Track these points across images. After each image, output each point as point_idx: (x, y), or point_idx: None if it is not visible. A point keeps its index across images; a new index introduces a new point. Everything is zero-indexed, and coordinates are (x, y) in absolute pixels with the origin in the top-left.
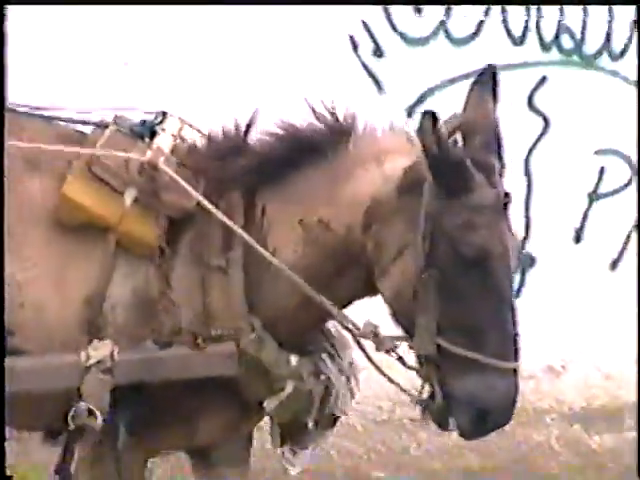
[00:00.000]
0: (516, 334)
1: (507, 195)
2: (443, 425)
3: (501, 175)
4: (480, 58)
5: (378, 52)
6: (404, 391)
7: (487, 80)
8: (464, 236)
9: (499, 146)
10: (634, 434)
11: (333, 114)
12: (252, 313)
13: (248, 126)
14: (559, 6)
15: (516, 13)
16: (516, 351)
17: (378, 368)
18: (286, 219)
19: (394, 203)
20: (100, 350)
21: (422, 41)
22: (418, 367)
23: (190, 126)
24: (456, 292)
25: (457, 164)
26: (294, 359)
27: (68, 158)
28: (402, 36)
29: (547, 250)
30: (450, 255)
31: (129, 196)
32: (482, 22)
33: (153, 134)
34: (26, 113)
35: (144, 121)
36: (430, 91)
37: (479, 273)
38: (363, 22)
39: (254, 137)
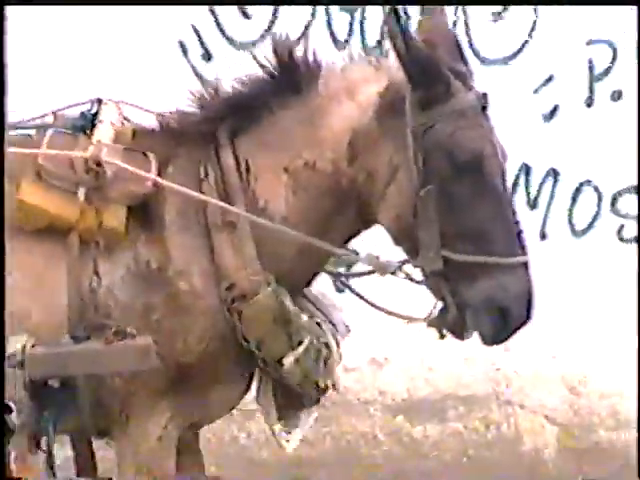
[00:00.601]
0: (519, 230)
1: (485, 96)
2: (461, 335)
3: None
4: None
5: (207, 56)
6: (398, 316)
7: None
8: (456, 142)
9: (462, 54)
10: (459, 425)
11: (295, 58)
12: None
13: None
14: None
15: (341, 16)
16: (522, 245)
17: (371, 303)
18: (270, 169)
19: (375, 129)
20: (12, 344)
21: (250, 45)
22: (427, 282)
23: (126, 109)
24: (455, 201)
25: (434, 68)
26: (304, 315)
27: (20, 164)
28: (230, 40)
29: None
30: (444, 165)
31: (81, 195)
32: (308, 25)
33: (94, 126)
34: None
35: (83, 113)
36: None
37: (474, 177)
38: (192, 26)
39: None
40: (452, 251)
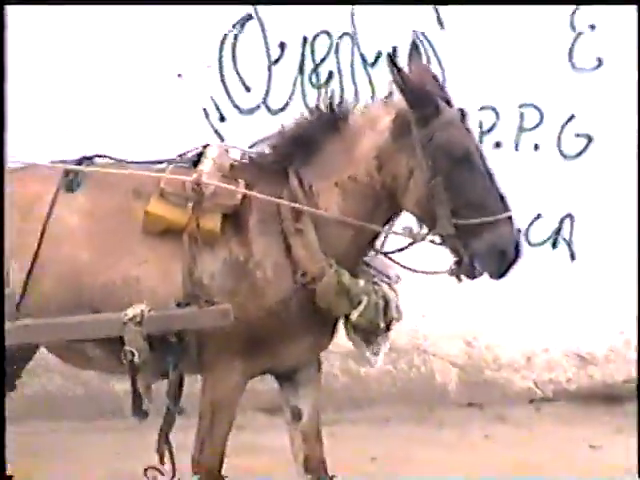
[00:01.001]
0: (502, 194)
1: (462, 110)
2: (473, 276)
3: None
4: None
5: (222, 118)
6: (427, 272)
7: (418, 52)
8: (450, 144)
9: (441, 85)
10: (390, 366)
11: (334, 109)
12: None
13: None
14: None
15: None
16: (506, 204)
17: (408, 267)
18: (326, 187)
19: (392, 145)
20: (135, 310)
21: (249, 111)
22: (445, 244)
23: (226, 150)
24: (456, 184)
25: (425, 95)
26: (361, 281)
27: (151, 186)
28: (237, 107)
29: None
30: (445, 161)
31: (189, 207)
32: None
33: (200, 161)
34: (129, 162)
35: (197, 155)
36: None
37: (466, 165)
38: (211, 97)
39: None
40: (460, 218)
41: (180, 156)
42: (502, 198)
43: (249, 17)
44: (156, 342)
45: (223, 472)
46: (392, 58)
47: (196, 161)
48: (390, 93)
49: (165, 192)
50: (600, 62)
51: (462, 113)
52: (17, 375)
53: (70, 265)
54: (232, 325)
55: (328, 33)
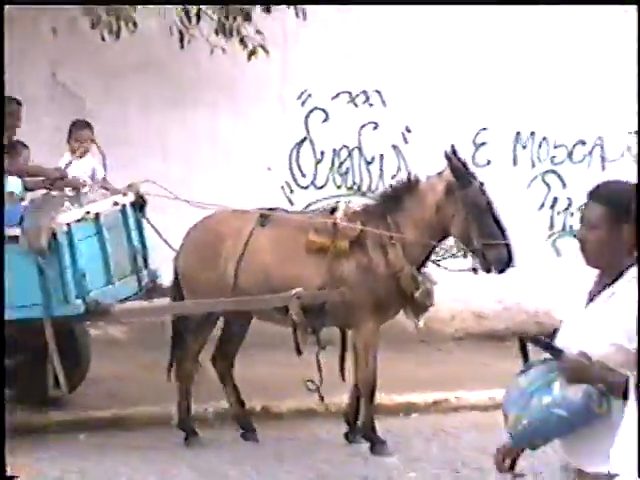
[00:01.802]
0: (503, 228)
1: (482, 183)
2: (487, 271)
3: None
4: None
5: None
6: (459, 270)
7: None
8: (477, 200)
9: (468, 168)
10: None
11: (412, 176)
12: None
13: (387, 196)
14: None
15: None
16: (506, 235)
17: (444, 267)
18: (407, 223)
19: (444, 200)
20: (294, 291)
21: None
22: (474, 254)
23: (349, 204)
24: (481, 221)
25: (464, 174)
26: (421, 276)
27: (309, 226)
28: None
29: None
30: (474, 208)
31: (330, 236)
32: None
33: (336, 209)
34: (293, 212)
35: (332, 207)
36: None
37: (486, 211)
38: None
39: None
40: (484, 240)
41: (323, 210)
42: (503, 231)
43: (304, 139)
44: (307, 311)
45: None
46: (455, 152)
47: (332, 210)
48: (441, 171)
49: (317, 228)
50: None
51: (481, 183)
52: (239, 341)
53: (261, 267)
54: (365, 298)
55: (359, 149)
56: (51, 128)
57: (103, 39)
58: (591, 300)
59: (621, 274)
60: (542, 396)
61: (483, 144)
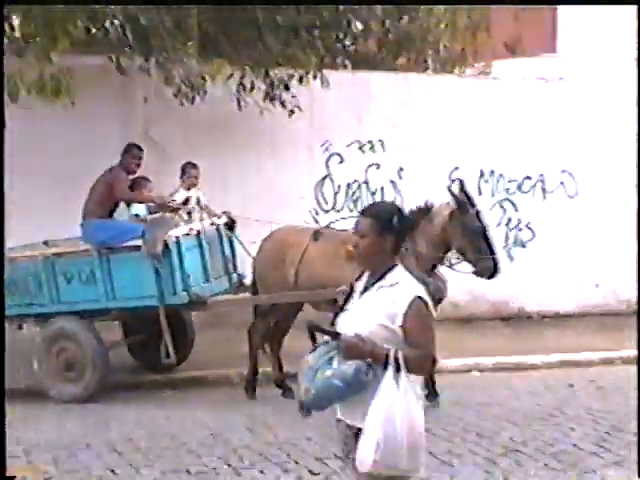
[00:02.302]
0: (492, 244)
1: (479, 211)
2: (481, 276)
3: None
4: None
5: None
6: (464, 272)
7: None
8: (474, 224)
9: (470, 197)
10: None
11: (427, 203)
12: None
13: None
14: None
15: None
16: (493, 250)
17: (457, 270)
18: (422, 239)
19: (448, 223)
20: (340, 289)
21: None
22: (472, 264)
23: None
24: (477, 239)
25: (465, 203)
26: (431, 278)
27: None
28: None
29: None
30: (472, 231)
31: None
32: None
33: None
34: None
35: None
36: None
37: (479, 233)
38: None
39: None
40: (476, 255)
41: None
42: (492, 248)
43: (326, 176)
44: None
45: None
46: (463, 185)
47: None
48: (448, 201)
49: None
50: None
51: (477, 211)
52: (290, 324)
53: (314, 270)
54: None
55: (366, 183)
56: (143, 170)
57: (182, 104)
58: (363, 293)
59: (385, 273)
60: (325, 370)
61: (456, 179)
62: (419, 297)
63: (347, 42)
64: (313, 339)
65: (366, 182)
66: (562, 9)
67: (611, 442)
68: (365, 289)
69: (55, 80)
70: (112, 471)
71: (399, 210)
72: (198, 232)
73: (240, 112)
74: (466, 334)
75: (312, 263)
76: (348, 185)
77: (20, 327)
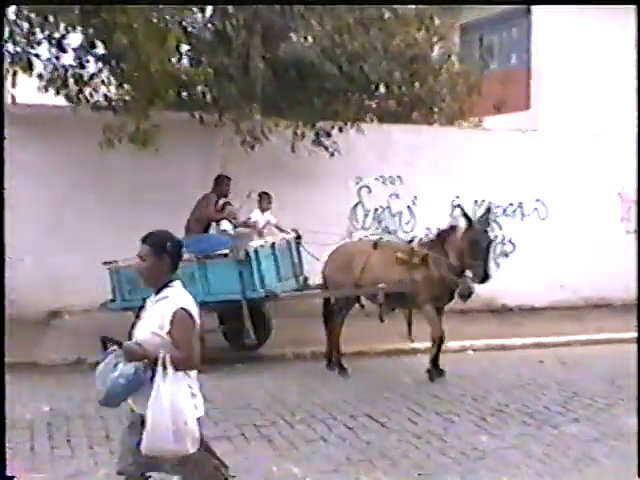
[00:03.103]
0: (485, 257)
1: (486, 230)
2: (480, 281)
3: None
4: None
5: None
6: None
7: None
8: (481, 239)
9: (488, 218)
10: None
11: (453, 223)
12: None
13: (442, 235)
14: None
15: None
16: (486, 260)
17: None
18: (451, 250)
19: (462, 237)
20: (379, 286)
21: None
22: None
23: (420, 238)
24: (475, 252)
25: (471, 223)
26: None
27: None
28: None
29: None
30: (473, 244)
31: (407, 255)
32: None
33: (412, 240)
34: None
35: (410, 239)
36: None
37: (480, 246)
38: None
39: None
40: (471, 261)
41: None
42: (485, 258)
43: (358, 203)
44: (389, 297)
45: None
46: (462, 209)
47: (410, 241)
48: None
49: (402, 250)
50: None
51: (485, 230)
52: (345, 313)
53: (375, 273)
54: (426, 291)
55: (389, 209)
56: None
57: (246, 151)
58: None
59: (162, 288)
60: (113, 373)
61: (457, 205)
62: (182, 308)
63: (374, 102)
64: (105, 348)
65: (388, 207)
66: (535, 74)
67: (572, 404)
68: (151, 302)
69: (145, 133)
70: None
71: (171, 236)
72: (273, 244)
73: (293, 154)
74: (464, 323)
75: (372, 267)
76: (375, 210)
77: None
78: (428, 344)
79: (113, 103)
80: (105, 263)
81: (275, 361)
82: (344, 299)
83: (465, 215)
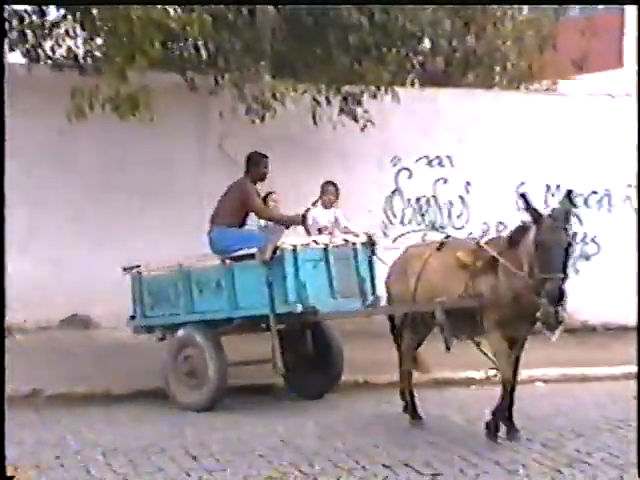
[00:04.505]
0: (565, 262)
1: (563, 230)
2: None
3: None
4: None
5: None
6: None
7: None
8: (553, 241)
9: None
10: None
11: (523, 224)
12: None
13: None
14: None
15: None
16: (561, 271)
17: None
18: (522, 256)
19: (534, 238)
20: (436, 301)
21: None
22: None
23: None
24: (544, 256)
25: (541, 215)
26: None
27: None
28: None
29: None
30: (546, 245)
31: (471, 256)
32: None
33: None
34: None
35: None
36: None
37: (562, 253)
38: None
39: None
40: (544, 275)
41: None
42: (565, 266)
43: (395, 190)
44: (453, 316)
45: None
46: (526, 199)
47: (477, 239)
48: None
49: (466, 249)
50: None
51: (556, 226)
52: (425, 337)
53: (429, 280)
54: (493, 308)
55: (434, 198)
56: (218, 181)
57: (253, 122)
58: None
59: None
60: None
61: (521, 195)
62: None
63: (415, 60)
64: None
65: (434, 197)
66: (630, 22)
67: None
68: None
69: (131, 98)
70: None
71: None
72: (325, 247)
73: (311, 127)
74: (532, 346)
75: (430, 273)
76: (417, 200)
77: (162, 338)
78: (488, 373)
79: (81, 61)
80: (126, 269)
81: (285, 393)
82: (405, 317)
83: (530, 208)
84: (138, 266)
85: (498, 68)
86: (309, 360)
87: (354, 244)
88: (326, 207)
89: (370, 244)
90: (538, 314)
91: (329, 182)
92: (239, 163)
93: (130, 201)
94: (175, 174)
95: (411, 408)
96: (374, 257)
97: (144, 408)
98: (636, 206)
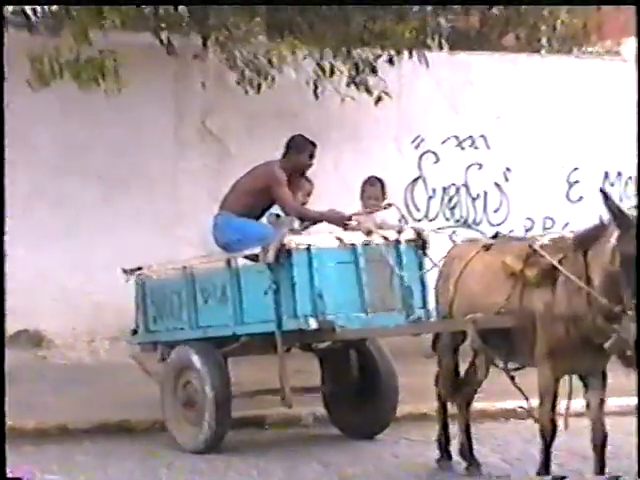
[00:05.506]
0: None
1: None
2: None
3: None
4: None
5: None
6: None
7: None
8: (628, 252)
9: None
10: None
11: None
12: None
13: (585, 238)
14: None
15: None
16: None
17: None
18: (598, 267)
19: (611, 249)
20: (468, 317)
21: None
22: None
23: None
24: (626, 279)
25: (628, 219)
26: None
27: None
28: None
29: None
30: (628, 256)
31: (521, 261)
32: None
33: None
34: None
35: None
36: None
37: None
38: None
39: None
40: (623, 305)
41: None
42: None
43: (418, 177)
44: (491, 337)
45: None
46: (607, 196)
47: (524, 240)
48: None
49: (515, 254)
50: None
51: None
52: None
53: (466, 289)
54: (546, 333)
55: (466, 187)
56: (200, 166)
57: (246, 92)
58: None
59: None
60: None
61: (576, 182)
62: None
63: (443, 18)
64: None
65: (466, 185)
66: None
67: None
68: None
69: (94, 63)
70: None
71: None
72: (353, 246)
73: (317, 100)
74: None
75: (467, 280)
76: (444, 189)
77: (164, 359)
78: (522, 403)
79: (32, 18)
80: (126, 272)
81: (281, 427)
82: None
83: (612, 206)
84: (140, 268)
85: (545, 27)
86: (355, 389)
87: (397, 242)
88: (370, 212)
89: (420, 242)
90: (607, 344)
91: (374, 178)
92: (226, 145)
93: (91, 189)
94: (147, 157)
95: (443, 443)
96: (425, 259)
97: (108, 446)
98: None
